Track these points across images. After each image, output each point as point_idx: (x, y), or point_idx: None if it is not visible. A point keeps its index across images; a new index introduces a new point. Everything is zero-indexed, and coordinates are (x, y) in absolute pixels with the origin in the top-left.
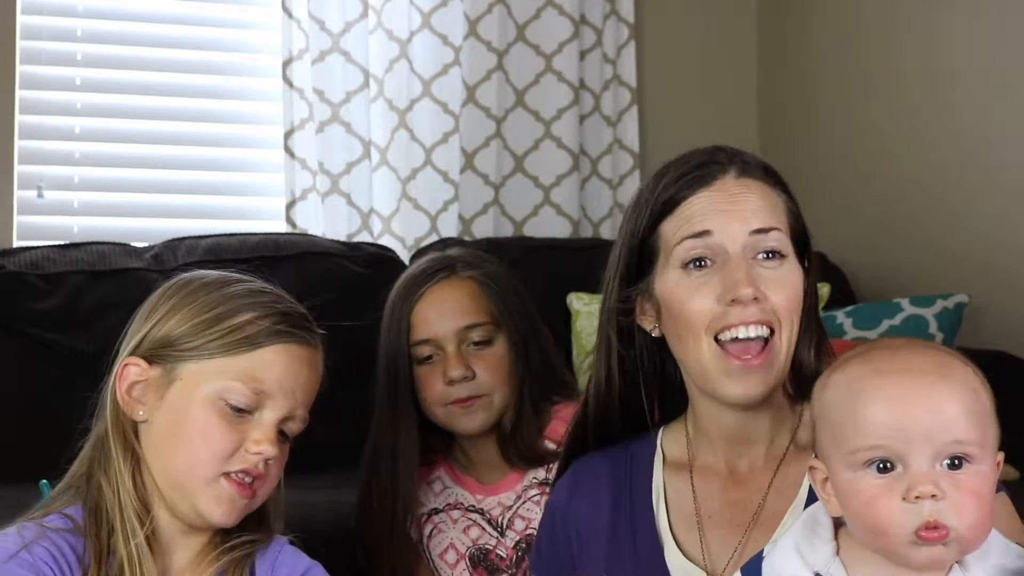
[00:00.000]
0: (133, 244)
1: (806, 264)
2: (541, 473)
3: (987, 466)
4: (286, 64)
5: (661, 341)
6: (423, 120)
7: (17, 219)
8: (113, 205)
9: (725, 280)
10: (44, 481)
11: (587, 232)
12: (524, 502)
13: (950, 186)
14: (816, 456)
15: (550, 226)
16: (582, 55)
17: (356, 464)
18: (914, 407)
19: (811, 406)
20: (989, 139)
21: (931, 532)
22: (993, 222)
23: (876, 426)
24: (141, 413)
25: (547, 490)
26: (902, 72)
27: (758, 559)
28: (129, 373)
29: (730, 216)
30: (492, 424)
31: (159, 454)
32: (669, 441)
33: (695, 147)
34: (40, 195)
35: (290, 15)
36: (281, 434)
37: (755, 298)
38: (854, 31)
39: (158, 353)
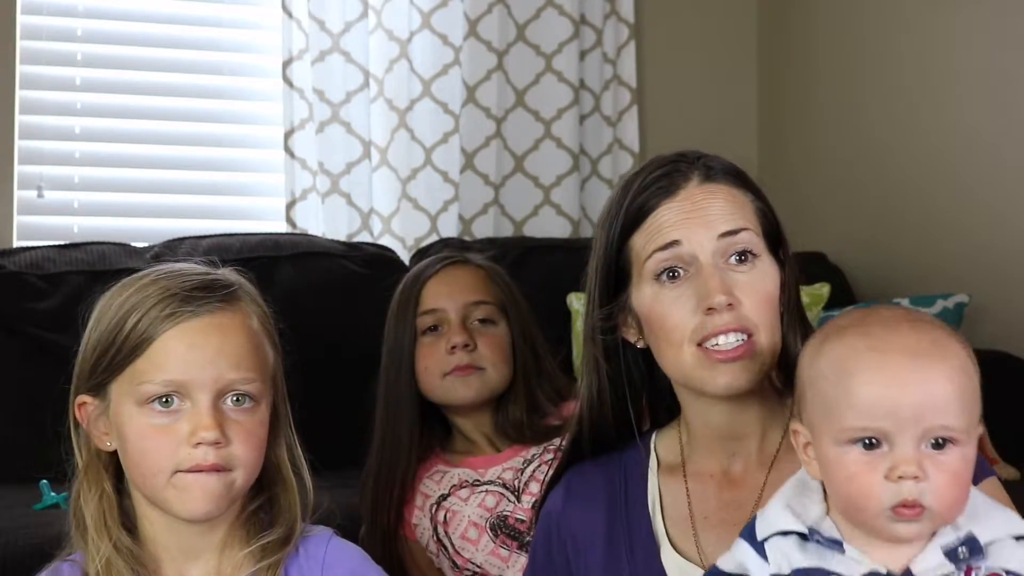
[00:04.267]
0: (133, 244)
1: (781, 258)
2: (556, 441)
3: (970, 448)
4: (286, 64)
5: (647, 350)
6: (423, 120)
7: (17, 219)
8: (113, 205)
9: (699, 290)
10: (44, 481)
11: (587, 232)
12: (540, 465)
13: (950, 186)
14: (799, 420)
15: (550, 226)
16: (582, 55)
17: (356, 464)
18: (907, 389)
19: (799, 368)
20: (989, 139)
21: (907, 510)
22: (993, 222)
23: (869, 407)
24: (109, 444)
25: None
26: (902, 72)
27: (753, 522)
28: (85, 411)
29: (696, 223)
30: (486, 399)
31: (129, 475)
32: (663, 446)
33: (695, 147)
34: (40, 195)
35: (290, 15)
36: (239, 402)
37: (729, 304)
38: (854, 31)
39: (91, 385)
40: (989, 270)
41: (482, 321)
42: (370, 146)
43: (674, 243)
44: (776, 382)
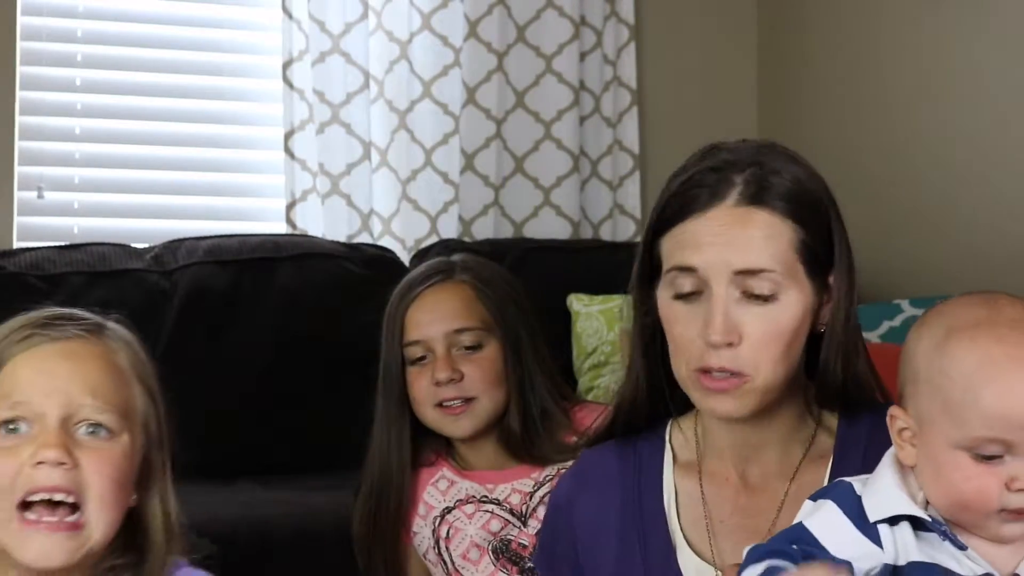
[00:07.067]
0: (133, 245)
1: (829, 283)
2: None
3: None
4: (286, 65)
5: None
6: (423, 121)
7: (17, 220)
8: (113, 206)
9: (705, 317)
10: None
11: (587, 233)
12: (550, 491)
13: (950, 186)
14: (903, 407)
15: (550, 227)
16: (582, 56)
17: (356, 464)
18: None
19: (911, 354)
20: (989, 139)
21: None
22: (993, 222)
23: (1000, 419)
24: None
25: None
26: (902, 73)
27: (845, 491)
28: None
29: (717, 251)
30: (482, 429)
31: None
32: (678, 439)
33: (695, 148)
34: (40, 196)
35: (290, 16)
36: (94, 432)
37: (729, 343)
38: (854, 32)
39: None
40: (989, 271)
41: (469, 347)
42: (370, 147)
43: (691, 269)
44: (807, 398)
